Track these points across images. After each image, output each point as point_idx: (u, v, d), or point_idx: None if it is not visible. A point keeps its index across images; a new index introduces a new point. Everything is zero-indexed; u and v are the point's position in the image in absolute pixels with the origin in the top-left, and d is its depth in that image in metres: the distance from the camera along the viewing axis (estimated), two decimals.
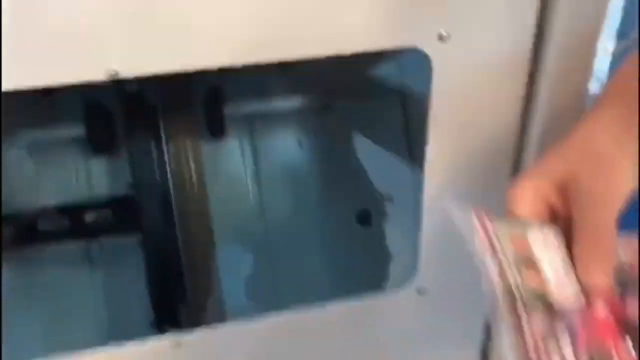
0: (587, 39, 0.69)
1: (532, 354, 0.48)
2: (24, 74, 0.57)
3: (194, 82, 0.89)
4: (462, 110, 0.69)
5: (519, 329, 0.49)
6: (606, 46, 1.23)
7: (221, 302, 0.89)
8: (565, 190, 0.50)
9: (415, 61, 0.66)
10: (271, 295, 0.98)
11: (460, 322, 0.77)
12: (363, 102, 0.95)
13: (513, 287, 0.49)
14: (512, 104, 0.71)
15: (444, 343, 0.83)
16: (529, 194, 0.51)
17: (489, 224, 0.50)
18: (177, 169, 0.88)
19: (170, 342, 0.76)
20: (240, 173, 1.00)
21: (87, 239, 0.88)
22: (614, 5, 1.18)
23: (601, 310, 0.49)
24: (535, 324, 0.49)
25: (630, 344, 0.48)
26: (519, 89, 0.70)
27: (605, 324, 0.49)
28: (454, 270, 0.72)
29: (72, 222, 0.85)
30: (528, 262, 0.50)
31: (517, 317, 0.49)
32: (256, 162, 1.00)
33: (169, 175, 0.87)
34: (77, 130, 0.91)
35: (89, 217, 0.85)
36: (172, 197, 0.87)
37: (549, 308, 0.49)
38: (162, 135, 0.88)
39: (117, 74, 0.58)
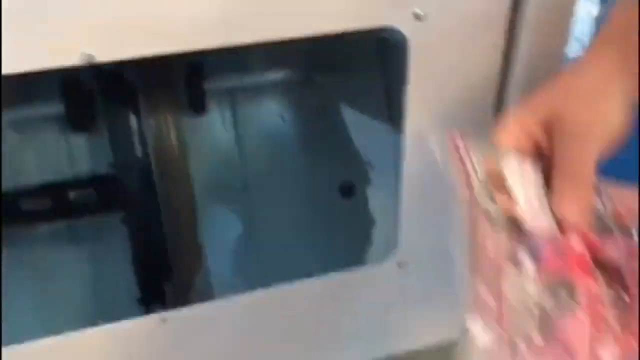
0: None
1: (491, 273, 0.48)
2: None
3: (174, 59, 0.88)
4: (442, 67, 0.69)
5: (481, 247, 0.49)
6: (589, 9, 1.23)
7: (207, 279, 0.89)
8: (550, 127, 0.49)
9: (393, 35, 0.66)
10: (256, 270, 0.98)
11: (440, 295, 0.78)
12: (344, 73, 0.95)
13: (481, 205, 0.49)
14: (491, 57, 0.71)
15: (424, 315, 0.84)
16: (514, 129, 0.50)
17: (464, 146, 0.50)
18: (158, 146, 0.88)
19: (156, 319, 0.77)
20: (222, 148, 1.00)
21: (71, 217, 0.87)
22: None
23: (575, 245, 0.49)
24: (499, 243, 0.48)
25: (602, 283, 0.48)
26: (499, 40, 0.70)
27: (576, 258, 0.49)
28: (435, 244, 0.73)
29: (56, 201, 0.85)
30: (501, 188, 0.49)
31: (482, 235, 0.49)
32: (238, 136, 1.00)
33: (150, 152, 0.87)
34: (56, 108, 0.91)
35: (73, 195, 0.85)
36: (154, 174, 0.87)
37: (517, 231, 0.49)
38: (142, 112, 0.87)
39: (92, 58, 0.58)
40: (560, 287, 0.48)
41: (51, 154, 0.92)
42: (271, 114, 1.01)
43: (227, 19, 0.59)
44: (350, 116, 0.97)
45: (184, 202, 0.90)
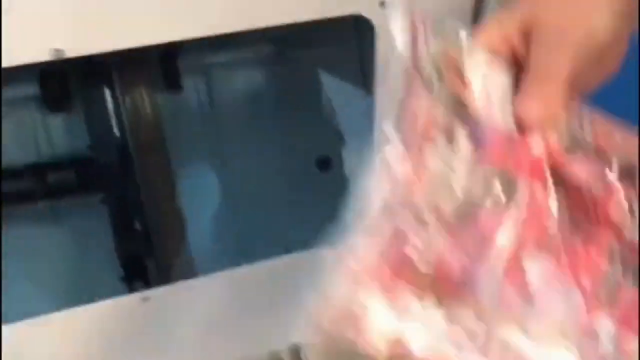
0: None
1: (416, 139, 0.45)
2: None
3: None
4: None
5: (412, 113, 0.46)
6: None
7: (189, 256, 0.90)
8: (529, 34, 0.47)
9: None
10: (237, 246, 0.99)
11: None
12: (317, 47, 0.95)
13: (425, 77, 0.46)
14: None
15: None
16: (491, 31, 0.47)
17: (424, 27, 0.47)
18: (134, 125, 0.88)
19: (138, 298, 0.78)
20: (198, 124, 1.00)
21: (50, 199, 0.88)
22: None
23: (535, 147, 0.47)
24: (434, 115, 0.45)
25: (553, 194, 0.46)
26: None
27: (530, 160, 0.47)
28: None
29: (35, 183, 0.86)
30: (457, 73, 0.47)
31: (416, 104, 0.46)
32: (214, 112, 1.00)
33: (127, 131, 0.88)
34: (32, 89, 0.91)
35: (52, 178, 0.86)
36: (132, 153, 0.87)
37: (460, 114, 0.46)
38: (118, 91, 0.87)
39: (62, 53, 0.58)
40: (495, 179, 0.46)
41: (29, 136, 0.92)
42: (246, 89, 1.01)
43: (196, 12, 0.59)
44: (325, 88, 0.98)
45: (163, 180, 0.91)
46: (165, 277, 0.88)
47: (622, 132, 0.49)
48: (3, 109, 0.90)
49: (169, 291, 0.80)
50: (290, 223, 0.98)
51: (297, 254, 0.82)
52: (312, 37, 0.93)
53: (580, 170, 0.47)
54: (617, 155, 0.48)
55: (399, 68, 0.46)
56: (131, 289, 0.85)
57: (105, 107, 0.88)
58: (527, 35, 0.47)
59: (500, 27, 0.48)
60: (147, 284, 0.85)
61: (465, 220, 0.45)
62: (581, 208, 0.47)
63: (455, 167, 0.46)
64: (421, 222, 0.44)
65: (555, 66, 0.46)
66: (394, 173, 0.45)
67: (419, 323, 0.44)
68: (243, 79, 1.01)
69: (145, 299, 0.78)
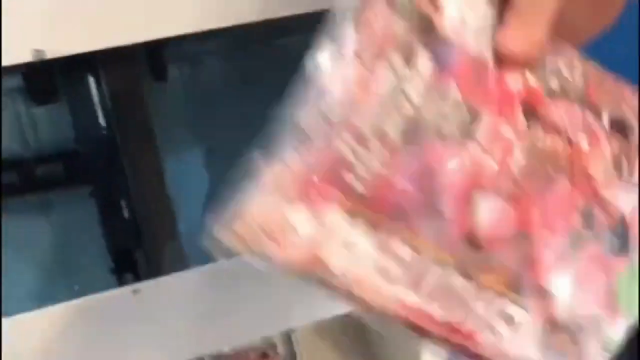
0: None
1: (370, 50, 0.41)
2: None
3: None
4: None
5: (367, 24, 0.41)
6: None
7: (179, 248, 0.91)
8: None
9: None
10: None
11: None
12: (305, 33, 0.94)
13: None
14: None
15: None
16: None
17: None
18: (121, 115, 0.88)
19: (128, 290, 0.78)
20: (186, 112, 1.00)
21: (38, 192, 0.88)
22: None
23: (511, 82, 0.43)
24: (393, 29, 0.41)
25: (524, 135, 0.43)
26: None
27: (503, 94, 0.43)
28: None
29: (23, 176, 0.85)
30: None
31: (373, 13, 0.41)
32: (202, 101, 1.00)
33: (113, 123, 0.88)
34: (17, 81, 0.90)
35: (40, 170, 0.86)
36: (119, 144, 0.87)
37: (424, 33, 0.42)
38: (103, 81, 0.87)
39: (43, 54, 0.58)
40: (455, 107, 0.42)
41: (15, 128, 0.92)
42: (234, 76, 1.00)
43: (179, 9, 0.59)
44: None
45: (151, 170, 0.91)
46: (155, 269, 0.88)
47: (616, 84, 0.47)
48: None
49: (159, 284, 0.80)
50: None
51: None
52: (300, 23, 0.92)
53: (561, 116, 0.44)
54: (608, 107, 0.46)
55: None
56: (120, 282, 0.86)
57: (90, 99, 0.88)
58: None
59: None
60: (137, 276, 0.86)
61: (413, 147, 0.42)
62: (556, 157, 0.44)
63: (409, 89, 0.42)
64: (362, 142, 0.41)
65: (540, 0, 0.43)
66: (337, 87, 0.41)
67: (344, 243, 0.41)
68: (231, 67, 1.01)
69: (135, 292, 0.78)
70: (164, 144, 0.91)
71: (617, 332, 0.47)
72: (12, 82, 0.90)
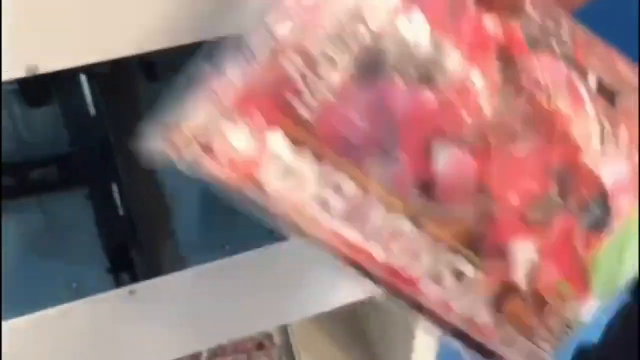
0: None
1: None
2: None
3: None
4: None
5: None
6: None
7: (176, 248, 0.91)
8: None
9: None
10: (224, 236, 1.00)
11: None
12: None
13: None
14: None
15: None
16: None
17: None
18: (114, 117, 0.89)
19: (124, 291, 0.78)
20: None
21: (33, 195, 0.89)
22: None
23: (489, 24, 0.40)
24: None
25: (499, 83, 0.39)
26: None
27: (479, 36, 0.40)
28: None
29: (18, 180, 0.86)
30: None
31: None
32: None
33: (107, 124, 0.88)
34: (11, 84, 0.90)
35: (35, 174, 0.86)
36: (113, 145, 0.88)
37: None
38: (96, 83, 0.87)
39: (36, 68, 0.59)
40: (421, 43, 0.38)
41: (9, 131, 0.92)
42: None
43: (170, 23, 0.59)
44: None
45: (146, 170, 0.92)
46: (152, 269, 0.89)
47: (607, 49, 0.44)
48: None
49: (155, 284, 0.81)
50: None
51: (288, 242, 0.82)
52: None
53: (542, 71, 0.40)
54: (596, 71, 0.42)
55: None
56: (117, 283, 0.87)
57: (84, 100, 0.88)
58: None
59: None
60: (134, 277, 0.86)
61: (368, 80, 0.38)
62: (530, 114, 0.41)
63: (369, 16, 0.38)
64: (311, 67, 0.38)
65: None
66: (289, 3, 0.38)
67: (284, 168, 0.39)
68: None
69: (131, 292, 0.79)
70: None
71: (585, 312, 0.43)
72: (5, 85, 0.90)
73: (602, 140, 0.42)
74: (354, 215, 0.39)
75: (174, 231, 0.92)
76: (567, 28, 0.42)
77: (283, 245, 0.82)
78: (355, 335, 1.23)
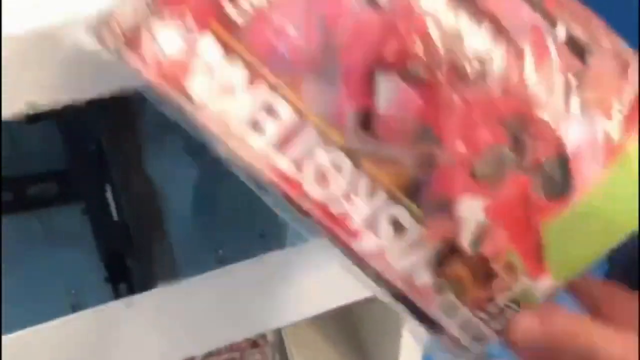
0: None
1: None
2: None
3: None
4: None
5: None
6: None
7: (173, 260, 0.93)
8: None
9: None
10: (218, 240, 1.01)
11: None
12: None
13: None
14: None
15: None
16: None
17: None
18: (110, 132, 0.90)
19: (121, 304, 0.80)
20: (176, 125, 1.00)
21: (31, 211, 0.90)
22: None
23: None
24: None
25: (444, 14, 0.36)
26: None
27: None
28: None
29: (15, 195, 0.87)
30: None
31: None
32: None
33: (103, 140, 0.89)
34: None
35: (32, 190, 0.88)
36: (110, 162, 0.89)
37: None
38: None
39: (36, 104, 0.60)
40: None
41: (7, 147, 0.93)
42: None
43: None
44: None
45: (140, 180, 0.93)
46: (148, 276, 0.91)
47: (584, 8, 0.40)
48: None
49: (153, 296, 0.83)
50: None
51: (291, 249, 0.84)
52: None
53: (503, 10, 0.36)
54: (566, 23, 0.38)
55: None
56: (114, 295, 0.88)
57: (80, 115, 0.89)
58: None
59: None
60: (131, 289, 0.88)
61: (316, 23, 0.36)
62: (484, 55, 0.37)
63: None
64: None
65: None
66: None
67: (215, 80, 0.36)
68: None
69: (128, 305, 0.81)
70: (153, 154, 0.93)
71: (538, 289, 0.38)
72: None
73: (566, 97, 0.37)
74: (287, 142, 0.37)
75: (168, 241, 0.93)
76: None
77: (276, 254, 0.84)
78: (347, 334, 1.25)
